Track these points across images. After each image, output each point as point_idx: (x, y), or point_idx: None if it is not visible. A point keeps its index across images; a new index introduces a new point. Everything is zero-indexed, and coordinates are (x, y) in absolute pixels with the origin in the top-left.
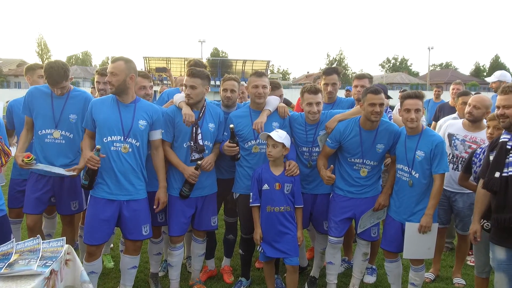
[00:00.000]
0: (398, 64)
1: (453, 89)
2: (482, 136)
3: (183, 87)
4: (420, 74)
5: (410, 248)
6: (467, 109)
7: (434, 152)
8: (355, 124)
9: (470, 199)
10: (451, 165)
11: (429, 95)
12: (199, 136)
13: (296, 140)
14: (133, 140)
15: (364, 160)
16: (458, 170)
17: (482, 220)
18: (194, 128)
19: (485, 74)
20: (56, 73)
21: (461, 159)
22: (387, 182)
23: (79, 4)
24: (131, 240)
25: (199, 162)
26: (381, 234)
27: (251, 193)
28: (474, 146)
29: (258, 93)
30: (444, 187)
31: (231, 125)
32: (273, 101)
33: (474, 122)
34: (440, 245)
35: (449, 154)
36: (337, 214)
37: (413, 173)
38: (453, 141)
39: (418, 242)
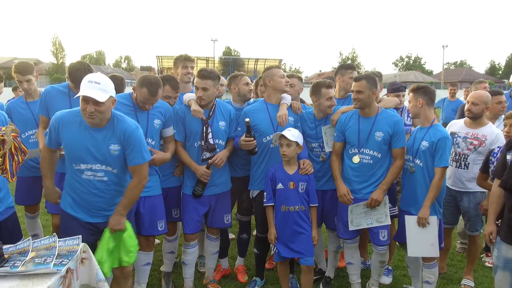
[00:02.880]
0: (411, 62)
1: (485, 88)
2: (484, 132)
3: (195, 89)
4: (434, 73)
5: (413, 244)
6: (466, 106)
7: (436, 145)
8: (355, 113)
9: (476, 199)
10: (454, 163)
11: (443, 93)
12: (210, 135)
13: (306, 137)
14: (149, 139)
15: (362, 149)
16: (461, 168)
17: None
18: (204, 127)
19: (500, 72)
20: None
21: (463, 156)
22: (386, 177)
23: (93, 3)
24: (144, 235)
25: (210, 161)
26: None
27: (265, 193)
28: (475, 142)
29: (286, 81)
30: (449, 186)
31: (247, 119)
32: (287, 97)
33: (474, 119)
34: (447, 244)
35: (452, 152)
36: (344, 215)
37: (416, 161)
38: (455, 139)
39: (419, 237)
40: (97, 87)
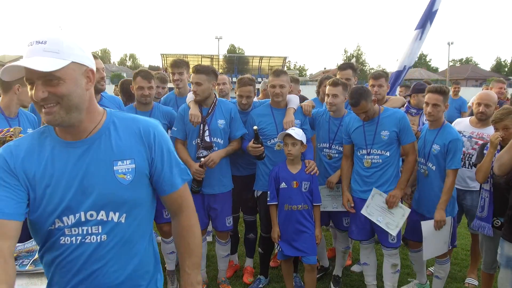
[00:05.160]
0: (416, 59)
1: (501, 88)
2: (489, 132)
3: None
4: (440, 70)
5: (429, 247)
6: (478, 108)
7: (448, 147)
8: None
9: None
10: None
11: None
12: (206, 133)
13: (318, 137)
14: None
15: (370, 150)
16: (465, 167)
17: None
18: (201, 125)
19: (506, 69)
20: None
21: (468, 155)
22: (401, 175)
23: (98, 2)
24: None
25: (202, 160)
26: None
27: (268, 192)
28: (480, 142)
29: (275, 93)
30: None
31: (255, 127)
32: (294, 99)
33: (485, 120)
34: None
35: None
36: (357, 217)
37: (429, 165)
38: None
39: (435, 239)
40: (41, 48)
